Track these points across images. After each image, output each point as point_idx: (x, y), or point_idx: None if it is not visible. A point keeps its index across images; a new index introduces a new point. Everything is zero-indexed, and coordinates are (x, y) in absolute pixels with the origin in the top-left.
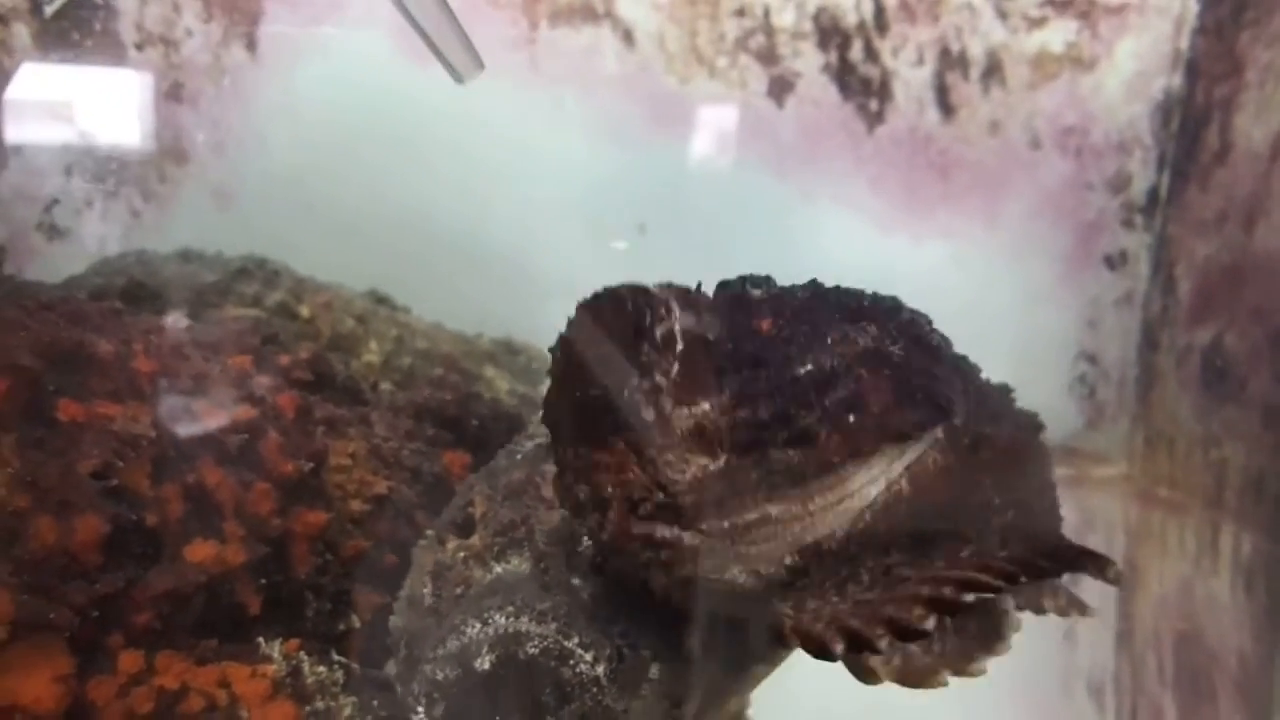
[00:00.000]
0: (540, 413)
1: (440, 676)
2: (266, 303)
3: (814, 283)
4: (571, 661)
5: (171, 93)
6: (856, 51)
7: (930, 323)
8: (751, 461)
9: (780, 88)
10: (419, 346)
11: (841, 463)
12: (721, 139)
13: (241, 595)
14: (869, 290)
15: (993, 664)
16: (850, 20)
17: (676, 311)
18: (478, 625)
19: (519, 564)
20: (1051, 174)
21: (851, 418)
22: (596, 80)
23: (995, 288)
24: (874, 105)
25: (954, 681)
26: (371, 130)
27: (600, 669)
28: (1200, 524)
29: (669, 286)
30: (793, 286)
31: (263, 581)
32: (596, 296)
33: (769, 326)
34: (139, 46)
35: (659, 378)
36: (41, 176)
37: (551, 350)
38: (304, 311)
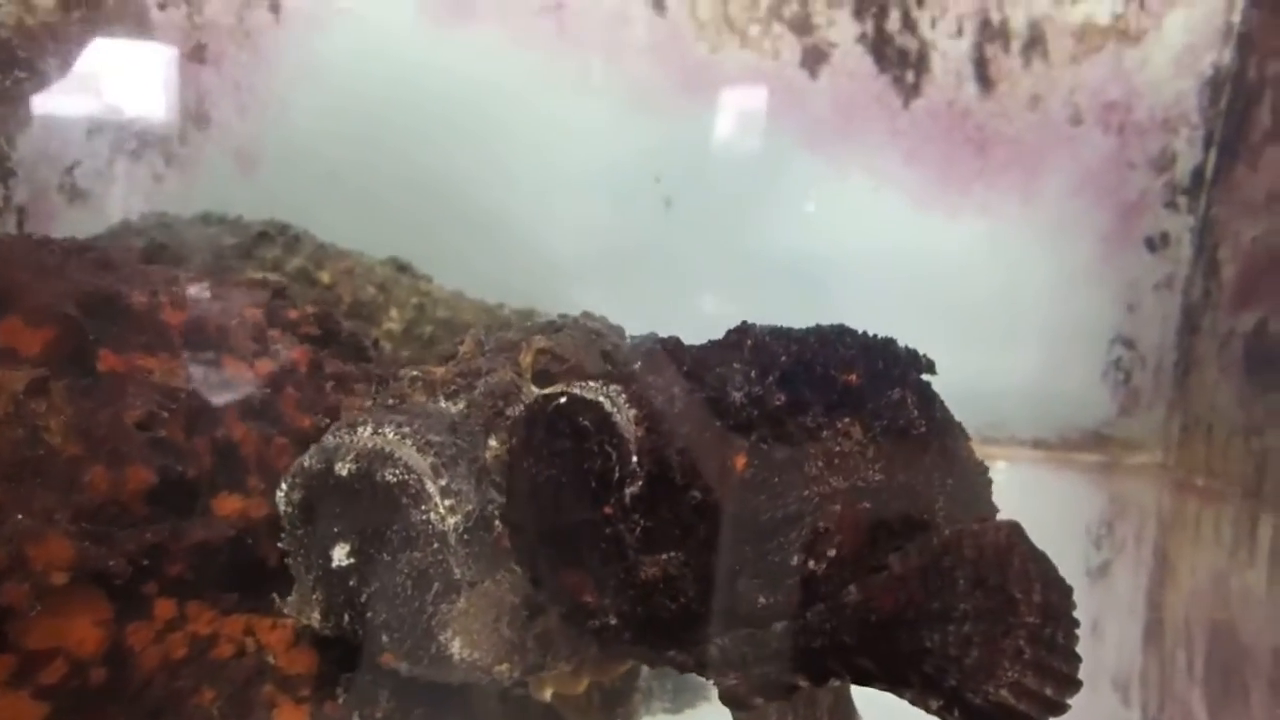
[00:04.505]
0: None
1: (308, 464)
2: (287, 268)
3: (800, 343)
4: (424, 506)
5: (194, 54)
6: (893, 21)
7: (921, 388)
8: (708, 609)
9: (814, 58)
10: (440, 315)
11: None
12: (752, 110)
13: (262, 549)
14: (861, 335)
15: None
16: None
17: (644, 464)
18: (360, 430)
19: (452, 406)
20: (1092, 151)
21: (821, 567)
22: (625, 48)
23: (1031, 268)
24: (910, 77)
25: None
26: (396, 96)
27: (451, 523)
28: (1238, 514)
29: (638, 395)
30: (775, 344)
31: (282, 535)
32: (557, 416)
33: (743, 465)
34: (161, 6)
35: (624, 533)
36: (63, 137)
37: (509, 455)
38: (324, 278)
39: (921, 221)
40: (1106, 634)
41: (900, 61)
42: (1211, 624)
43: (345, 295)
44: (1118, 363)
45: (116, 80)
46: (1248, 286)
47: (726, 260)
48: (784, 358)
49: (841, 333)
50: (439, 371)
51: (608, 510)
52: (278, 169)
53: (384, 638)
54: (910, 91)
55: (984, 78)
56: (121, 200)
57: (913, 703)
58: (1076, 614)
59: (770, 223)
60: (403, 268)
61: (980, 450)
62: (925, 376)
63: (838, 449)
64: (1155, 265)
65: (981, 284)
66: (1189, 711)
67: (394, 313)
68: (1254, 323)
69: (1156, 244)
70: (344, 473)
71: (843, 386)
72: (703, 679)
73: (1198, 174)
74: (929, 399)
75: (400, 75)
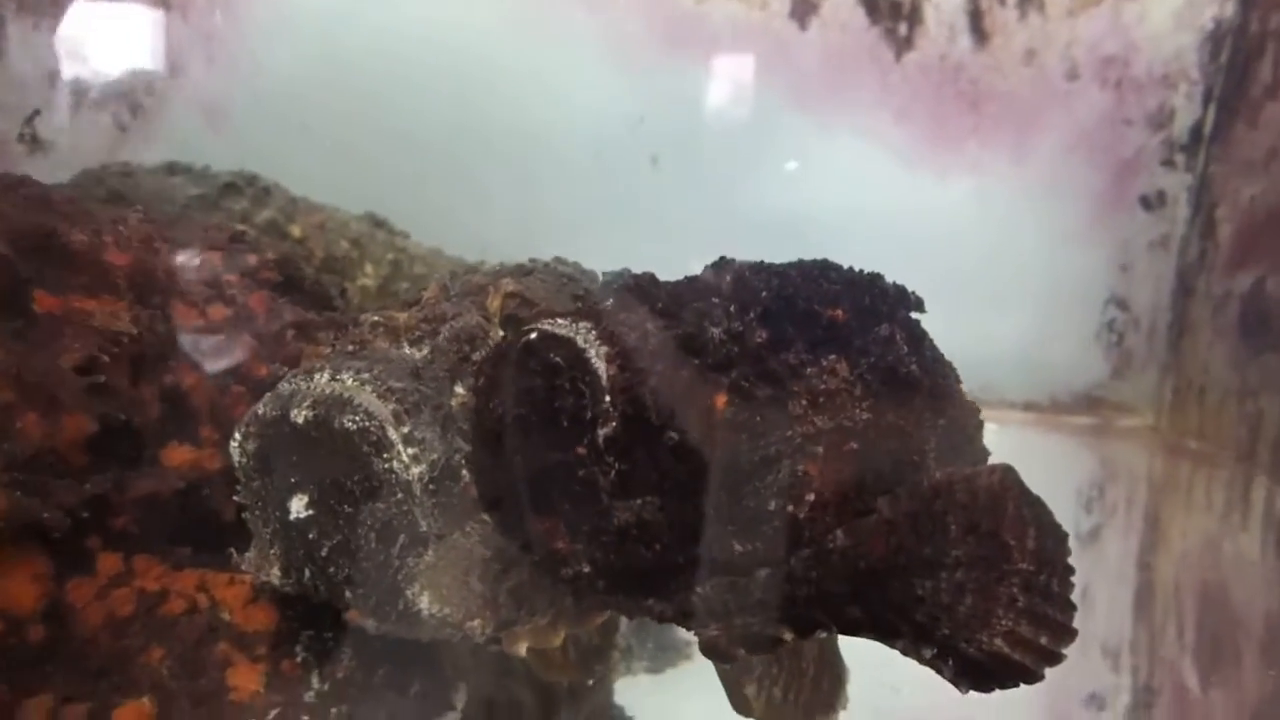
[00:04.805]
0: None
1: (262, 412)
2: (255, 220)
3: (782, 278)
4: (386, 455)
5: (160, 1)
6: None
7: (910, 325)
8: (686, 556)
9: (804, 9)
10: (416, 272)
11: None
12: (739, 64)
13: (217, 502)
14: (847, 270)
15: None
16: None
17: (617, 403)
18: (317, 377)
19: (415, 351)
20: (1088, 107)
21: (804, 511)
22: None
23: (1023, 228)
24: (903, 30)
25: None
26: (371, 47)
27: (415, 472)
28: (1231, 477)
29: (609, 332)
30: (756, 278)
31: (237, 488)
32: (526, 353)
33: (724, 405)
34: None
35: (597, 476)
36: (23, 84)
37: (475, 395)
38: (295, 231)
39: (911, 181)
40: (1097, 599)
41: (893, 13)
42: (1203, 589)
43: (317, 250)
44: (1111, 324)
45: (80, 27)
46: (1245, 246)
47: (711, 216)
48: (765, 293)
49: (826, 267)
50: (402, 317)
51: (580, 451)
52: (248, 121)
53: (348, 593)
54: (902, 45)
55: (978, 30)
56: (84, 151)
57: (904, 653)
58: (1072, 560)
59: (757, 183)
60: (379, 223)
61: None
62: (914, 314)
63: (823, 387)
64: (1151, 224)
65: (973, 244)
66: (1179, 677)
67: (369, 269)
68: (1250, 283)
69: (1152, 203)
70: (300, 420)
71: (828, 322)
72: (685, 636)
73: (1196, 131)
74: (919, 337)
75: (378, 24)
